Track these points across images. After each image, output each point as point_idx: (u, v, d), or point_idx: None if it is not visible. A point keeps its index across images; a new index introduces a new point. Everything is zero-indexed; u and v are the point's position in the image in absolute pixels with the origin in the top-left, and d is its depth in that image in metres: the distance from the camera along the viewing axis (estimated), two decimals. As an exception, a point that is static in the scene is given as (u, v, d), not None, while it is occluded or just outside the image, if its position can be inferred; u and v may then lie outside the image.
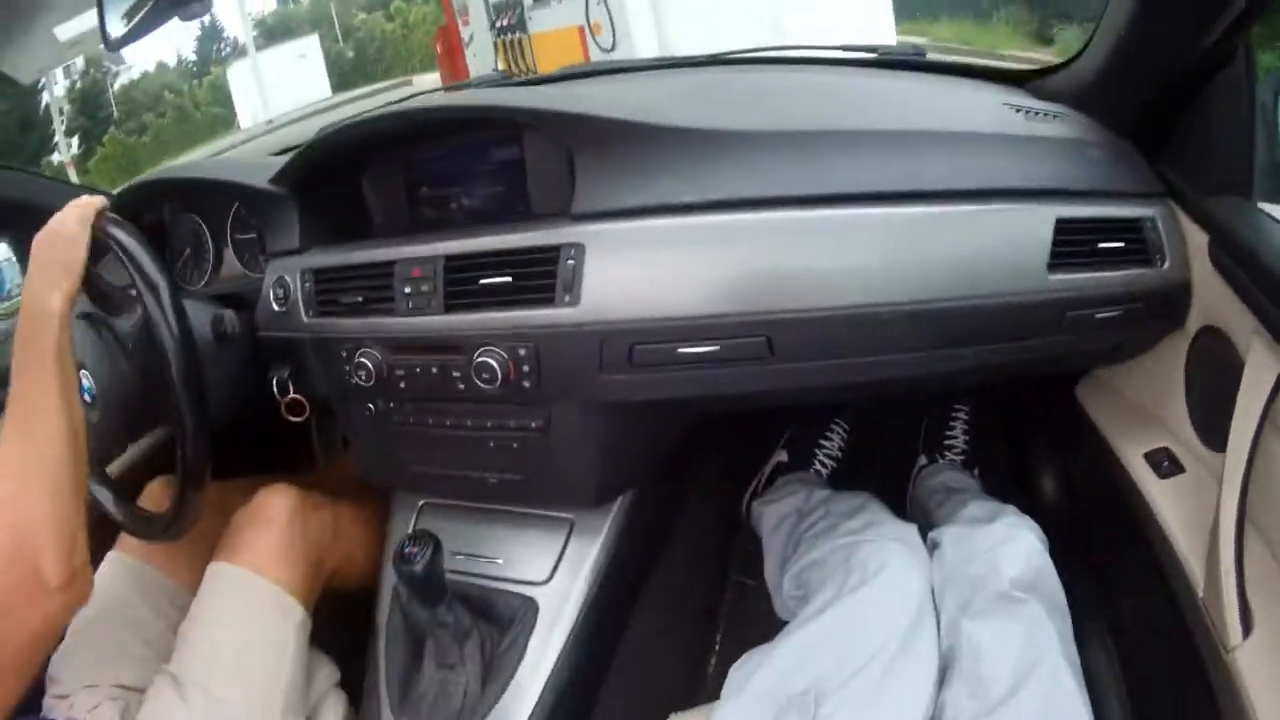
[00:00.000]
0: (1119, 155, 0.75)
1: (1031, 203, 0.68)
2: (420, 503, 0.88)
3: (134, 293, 0.71)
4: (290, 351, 0.82)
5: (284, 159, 0.85)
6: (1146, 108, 0.74)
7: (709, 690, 0.69)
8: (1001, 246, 0.67)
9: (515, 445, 0.75)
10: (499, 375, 0.69)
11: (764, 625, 0.74)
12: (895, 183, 0.66)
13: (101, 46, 1.00)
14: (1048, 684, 0.64)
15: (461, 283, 0.71)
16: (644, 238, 0.66)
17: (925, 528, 0.81)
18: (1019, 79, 0.85)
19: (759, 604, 0.96)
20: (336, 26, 16.21)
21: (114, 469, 0.89)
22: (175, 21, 0.89)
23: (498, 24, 3.97)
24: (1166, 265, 0.72)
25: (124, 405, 0.76)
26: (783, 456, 1.15)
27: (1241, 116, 0.67)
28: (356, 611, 0.87)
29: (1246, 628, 0.59)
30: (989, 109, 0.76)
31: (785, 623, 0.73)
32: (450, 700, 0.76)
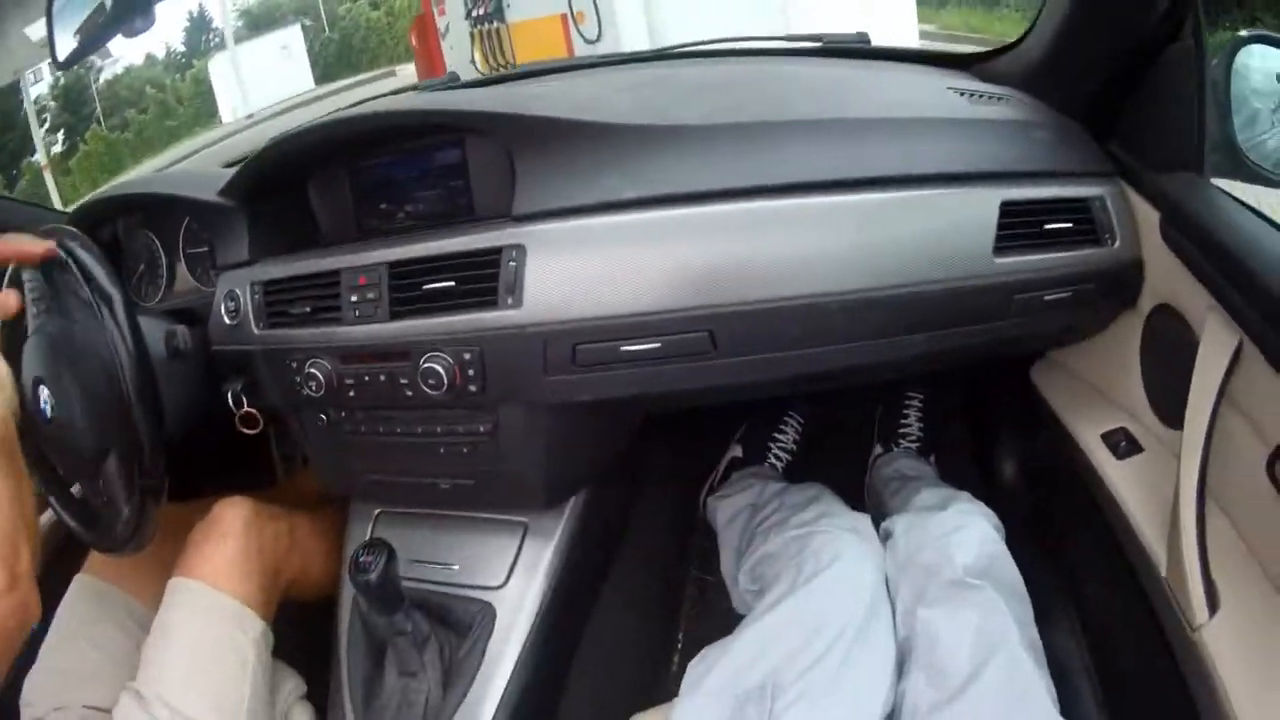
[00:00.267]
0: (1066, 135, 0.74)
1: (976, 186, 0.68)
2: (376, 511, 0.88)
3: (90, 306, 0.71)
4: (243, 364, 0.82)
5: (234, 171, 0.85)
6: (1094, 87, 0.73)
7: (672, 687, 0.69)
8: (946, 232, 0.66)
9: (465, 450, 0.74)
10: (445, 381, 0.68)
11: (725, 621, 0.74)
12: (837, 171, 0.65)
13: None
14: (1007, 670, 0.64)
15: (406, 289, 0.70)
16: (585, 236, 0.65)
17: (881, 517, 0.81)
18: (965, 63, 0.85)
19: (719, 600, 0.96)
20: (323, 14, 15.99)
21: (79, 490, 0.88)
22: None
23: (473, 13, 3.60)
24: (1117, 244, 0.72)
25: (84, 419, 0.76)
26: (737, 452, 1.15)
27: (1192, 92, 0.67)
28: (321, 623, 0.86)
29: (1212, 606, 0.59)
30: (932, 93, 0.76)
31: (744, 617, 0.72)
32: (413, 709, 0.76)
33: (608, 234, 0.65)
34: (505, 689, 0.75)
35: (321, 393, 0.75)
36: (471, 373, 0.68)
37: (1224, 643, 0.57)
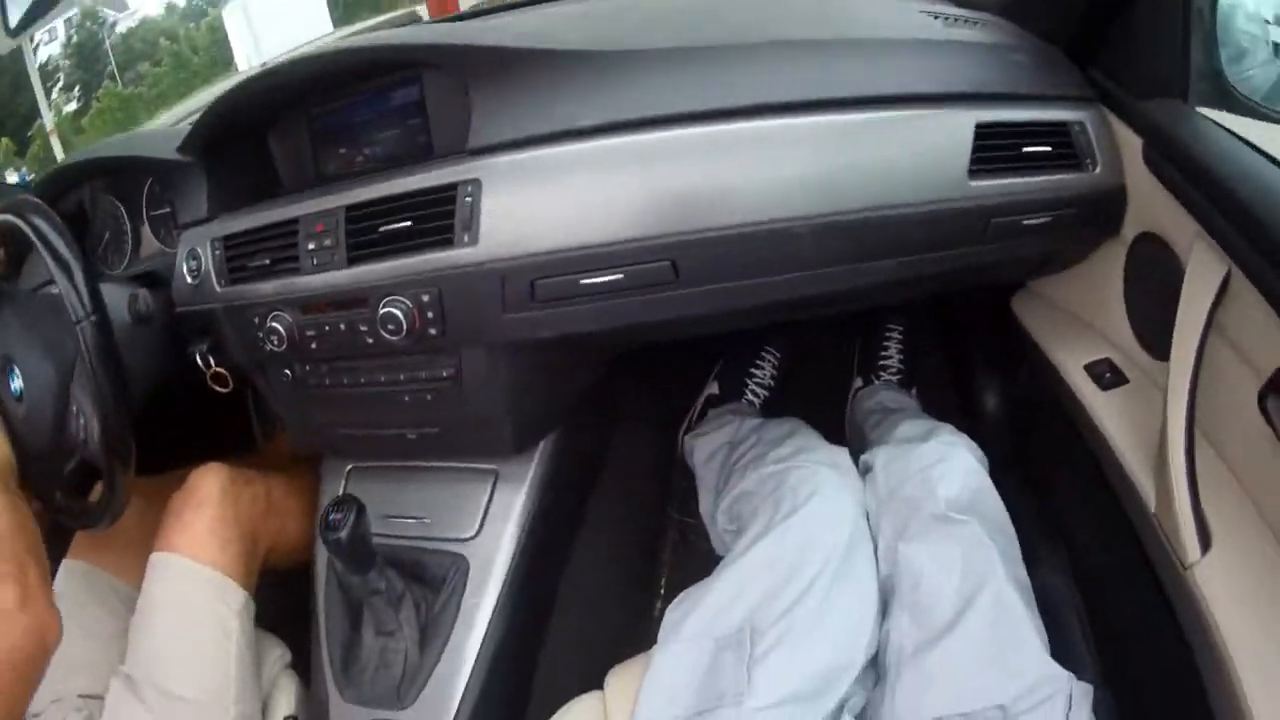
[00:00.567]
0: (1045, 60, 0.72)
1: (949, 107, 0.65)
2: (348, 467, 0.86)
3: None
4: (208, 324, 0.80)
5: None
6: (1075, 13, 0.71)
7: (656, 633, 0.67)
8: (918, 153, 0.64)
9: (429, 397, 0.72)
10: (404, 325, 0.66)
11: (707, 564, 0.71)
12: (804, 92, 0.63)
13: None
14: (993, 606, 0.62)
15: (363, 233, 0.68)
16: (542, 167, 0.63)
17: (862, 451, 0.79)
18: (939, -14, 0.82)
19: (701, 543, 0.94)
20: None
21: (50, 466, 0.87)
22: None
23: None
24: (1098, 170, 0.69)
25: (50, 391, 0.75)
26: (714, 389, 1.12)
27: (1176, 17, 0.64)
28: (303, 590, 0.85)
29: (1204, 544, 0.57)
30: (905, 16, 0.73)
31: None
32: (391, 669, 0.75)
33: (565, 163, 0.62)
34: (482, 643, 0.73)
35: (284, 347, 0.73)
36: (430, 315, 0.66)
37: (1218, 581, 0.56)
